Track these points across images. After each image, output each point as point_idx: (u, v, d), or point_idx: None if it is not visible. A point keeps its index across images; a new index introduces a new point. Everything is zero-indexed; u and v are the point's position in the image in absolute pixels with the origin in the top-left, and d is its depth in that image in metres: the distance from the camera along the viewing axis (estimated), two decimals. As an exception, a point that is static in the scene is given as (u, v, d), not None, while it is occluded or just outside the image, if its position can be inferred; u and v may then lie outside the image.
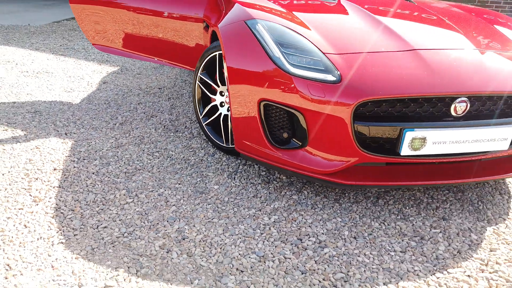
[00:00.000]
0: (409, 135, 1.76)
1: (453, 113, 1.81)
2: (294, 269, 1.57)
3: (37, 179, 2.15)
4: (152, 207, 1.94)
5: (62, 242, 1.67)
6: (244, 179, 2.23)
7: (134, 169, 2.31)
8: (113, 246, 1.66)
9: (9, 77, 4.08)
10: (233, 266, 1.58)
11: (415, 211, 2.00)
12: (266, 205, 1.99)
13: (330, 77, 1.79)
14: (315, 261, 1.62)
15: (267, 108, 1.96)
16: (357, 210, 1.98)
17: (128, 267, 1.54)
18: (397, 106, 1.78)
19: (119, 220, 1.83)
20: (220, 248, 1.67)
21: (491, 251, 1.73)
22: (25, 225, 1.77)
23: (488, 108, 1.88)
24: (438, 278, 1.56)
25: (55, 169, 2.25)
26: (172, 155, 2.50)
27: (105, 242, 1.68)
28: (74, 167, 2.29)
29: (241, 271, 1.55)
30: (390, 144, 1.82)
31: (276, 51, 1.91)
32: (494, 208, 2.05)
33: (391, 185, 1.86)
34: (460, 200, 2.12)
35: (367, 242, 1.75)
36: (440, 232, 1.85)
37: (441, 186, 2.07)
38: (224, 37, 2.16)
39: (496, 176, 1.95)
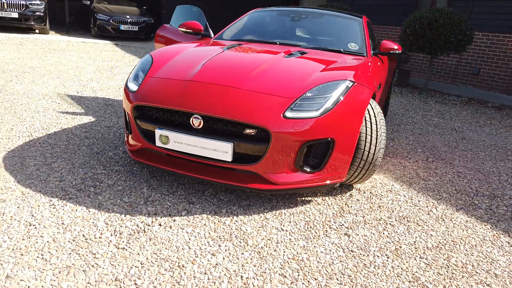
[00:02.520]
0: (157, 132, 2.67)
1: (191, 124, 2.61)
2: (39, 194, 2.75)
3: (51, 125, 3.91)
4: (63, 151, 3.39)
5: (4, 148, 3.31)
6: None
7: (91, 136, 3.81)
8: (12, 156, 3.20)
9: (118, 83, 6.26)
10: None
11: (175, 195, 2.80)
12: (108, 166, 3.17)
13: (134, 88, 2.88)
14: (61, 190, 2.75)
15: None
16: (150, 185, 2.93)
17: None
18: (160, 113, 2.72)
19: (35, 146, 3.36)
20: (40, 177, 2.99)
21: (184, 214, 2.46)
22: (15, 135, 3.50)
23: (221, 127, 2.58)
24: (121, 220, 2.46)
25: (62, 128, 3.98)
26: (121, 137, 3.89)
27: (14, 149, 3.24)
28: (69, 129, 3.97)
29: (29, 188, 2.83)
30: (153, 137, 2.75)
31: (133, 73, 3.10)
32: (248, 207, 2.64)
33: (160, 167, 2.76)
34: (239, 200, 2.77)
35: (118, 191, 2.74)
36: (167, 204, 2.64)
37: (193, 178, 2.71)
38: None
39: (235, 183, 2.57)
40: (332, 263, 2.18)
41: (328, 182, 2.75)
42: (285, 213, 2.66)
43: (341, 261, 2.20)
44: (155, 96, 2.71)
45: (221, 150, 2.52)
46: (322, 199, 2.92)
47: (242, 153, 2.57)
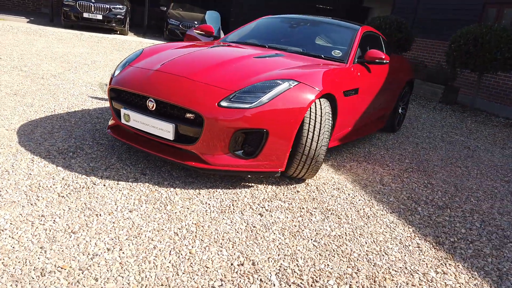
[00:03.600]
0: (122, 111, 3.19)
1: (147, 106, 3.09)
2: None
3: (76, 106, 4.65)
4: (71, 125, 4.07)
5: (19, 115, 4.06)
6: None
7: (102, 117, 4.47)
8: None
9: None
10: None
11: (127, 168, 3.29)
12: (96, 140, 3.76)
13: (116, 74, 3.44)
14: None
15: (116, 91, 3.71)
16: (120, 157, 3.46)
17: None
18: (128, 95, 3.24)
19: (51, 120, 4.06)
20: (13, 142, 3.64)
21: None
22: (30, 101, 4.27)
23: (169, 110, 3.01)
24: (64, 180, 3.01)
25: (83, 109, 4.70)
26: (129, 120, 4.50)
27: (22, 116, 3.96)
28: (88, 110, 4.67)
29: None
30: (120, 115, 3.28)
31: (123, 62, 3.67)
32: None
33: (123, 141, 3.27)
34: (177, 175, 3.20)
35: (90, 158, 3.29)
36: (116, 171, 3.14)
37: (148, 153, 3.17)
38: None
39: (179, 160, 2.99)
40: (228, 232, 2.49)
41: (265, 169, 3.04)
42: (219, 192, 3.00)
43: (237, 232, 2.51)
44: (125, 81, 3.23)
45: (165, 129, 2.95)
46: (264, 186, 3.21)
47: (184, 134, 2.97)
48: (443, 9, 11.28)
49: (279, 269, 2.19)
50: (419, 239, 2.73)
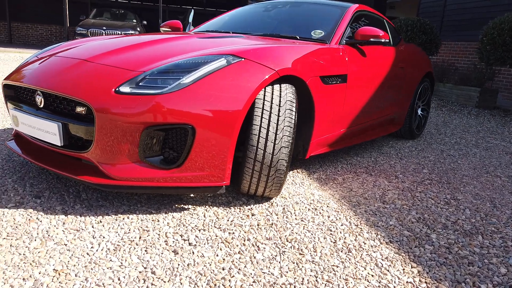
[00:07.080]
0: (11, 113, 2.36)
1: (37, 102, 2.24)
2: None
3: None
4: (-7, 142, 3.30)
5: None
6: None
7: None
8: None
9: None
10: None
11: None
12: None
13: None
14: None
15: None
16: (27, 170, 2.63)
17: None
18: (19, 91, 2.40)
19: (-26, 141, 3.31)
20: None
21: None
22: None
23: (58, 105, 2.15)
24: None
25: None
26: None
27: None
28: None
29: None
30: (16, 119, 2.44)
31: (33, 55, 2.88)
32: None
33: (20, 155, 2.42)
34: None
35: (-23, 181, 2.47)
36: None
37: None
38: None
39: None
40: (101, 285, 1.55)
41: (198, 184, 2.10)
42: (131, 218, 2.09)
43: (118, 283, 1.55)
44: (17, 73, 2.42)
45: (51, 131, 2.09)
46: (207, 208, 2.26)
47: (78, 137, 2.09)
48: (473, 7, 10.12)
49: None
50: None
